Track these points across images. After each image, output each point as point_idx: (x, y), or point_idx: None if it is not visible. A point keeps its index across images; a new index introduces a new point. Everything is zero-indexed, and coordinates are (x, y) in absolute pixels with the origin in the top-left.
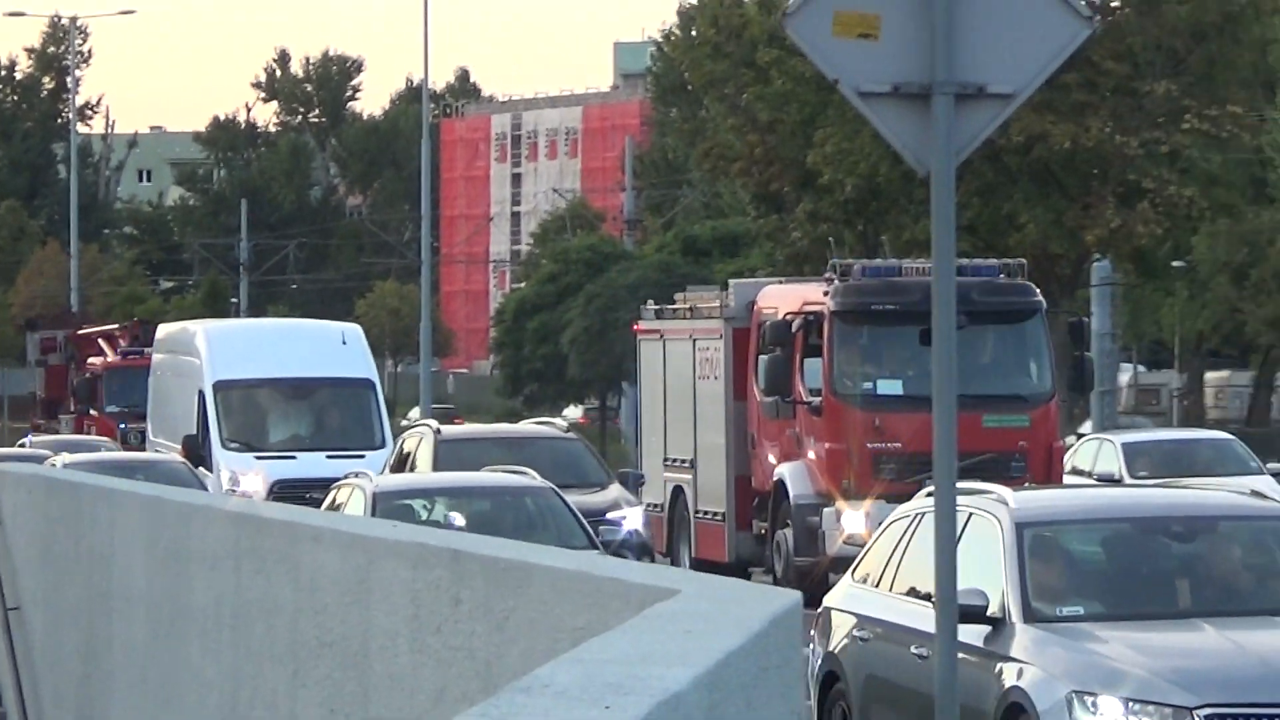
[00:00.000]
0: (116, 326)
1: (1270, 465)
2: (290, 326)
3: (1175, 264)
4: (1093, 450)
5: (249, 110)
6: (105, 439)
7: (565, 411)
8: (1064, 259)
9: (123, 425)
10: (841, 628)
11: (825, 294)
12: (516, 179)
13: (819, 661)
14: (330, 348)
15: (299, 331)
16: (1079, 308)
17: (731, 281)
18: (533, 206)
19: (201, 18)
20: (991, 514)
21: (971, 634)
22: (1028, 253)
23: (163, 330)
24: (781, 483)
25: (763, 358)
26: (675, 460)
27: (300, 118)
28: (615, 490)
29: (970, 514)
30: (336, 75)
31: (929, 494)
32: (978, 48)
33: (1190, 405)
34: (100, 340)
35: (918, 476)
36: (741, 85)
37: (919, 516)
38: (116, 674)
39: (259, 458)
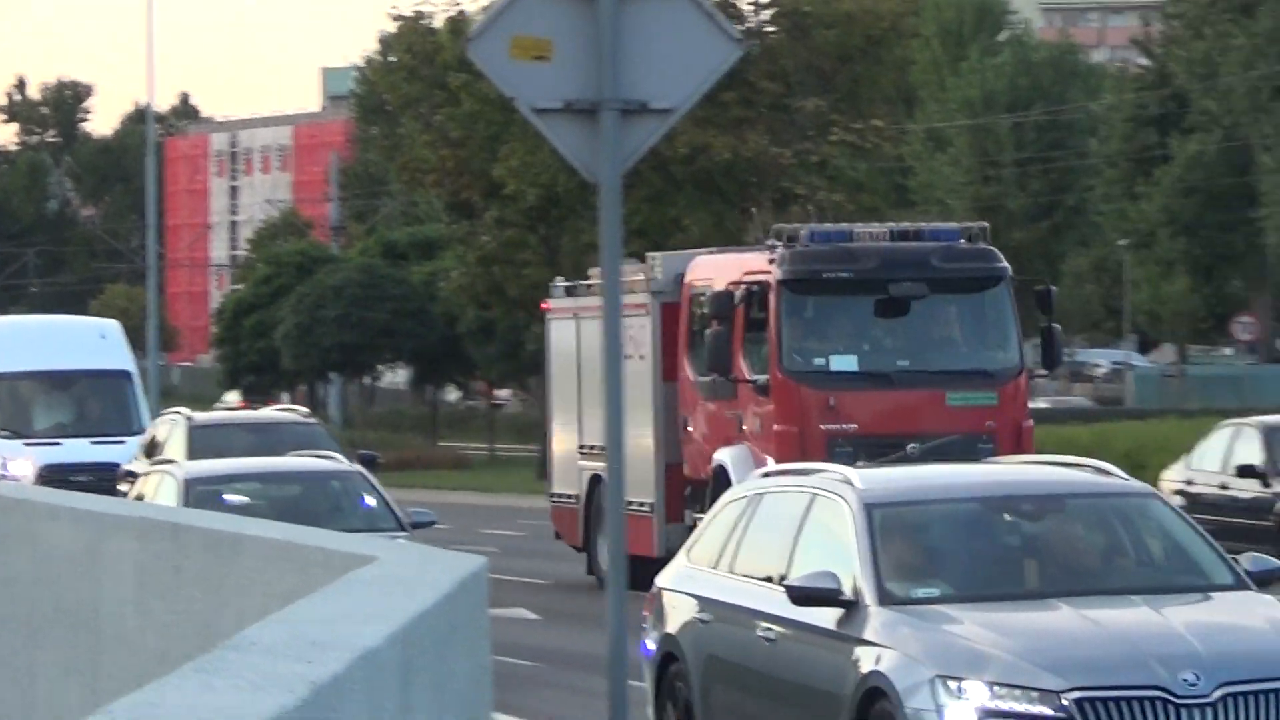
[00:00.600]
0: None
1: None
2: (53, 323)
3: None
4: (1226, 438)
5: None
6: None
7: (225, 397)
8: None
9: None
10: (680, 609)
11: (771, 262)
12: (234, 191)
13: (655, 643)
14: (90, 342)
15: (61, 327)
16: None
17: (655, 254)
18: (249, 216)
19: None
20: (837, 495)
21: (823, 617)
22: None
23: None
24: (722, 469)
25: (704, 333)
26: (593, 447)
27: (38, 138)
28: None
29: (814, 495)
30: (70, 99)
31: (765, 474)
32: (640, 68)
33: None
34: None
35: (877, 461)
36: (435, 105)
37: (758, 497)
38: None
39: (27, 444)
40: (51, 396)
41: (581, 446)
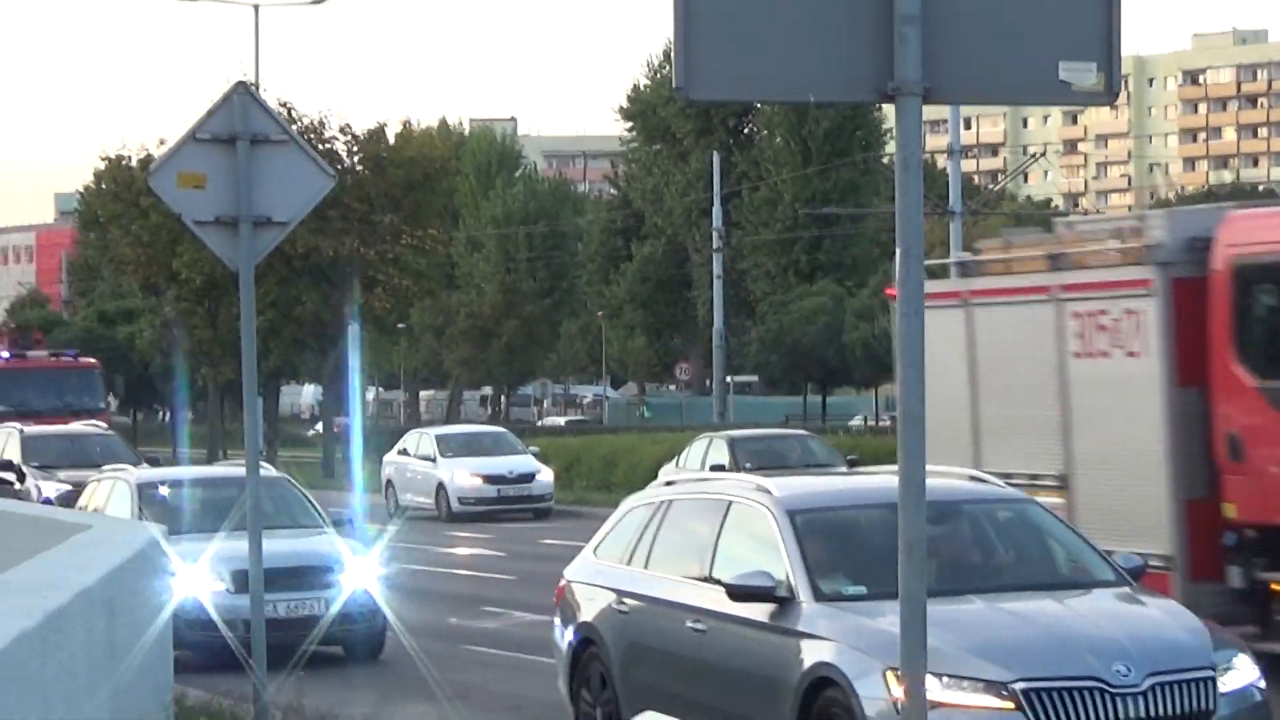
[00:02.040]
0: None
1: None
2: None
3: (400, 325)
4: (703, 446)
5: None
6: None
7: None
8: (332, 323)
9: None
10: (595, 600)
11: None
12: None
13: (570, 627)
14: None
15: None
16: (339, 356)
17: (1151, 212)
18: (4, 294)
19: None
20: (755, 502)
21: (757, 611)
22: (309, 320)
23: None
24: None
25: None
26: (1016, 476)
27: None
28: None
29: (731, 502)
30: None
31: (667, 483)
32: (266, 193)
33: (411, 413)
34: None
35: None
36: (132, 219)
37: (666, 504)
38: None
39: None
40: None
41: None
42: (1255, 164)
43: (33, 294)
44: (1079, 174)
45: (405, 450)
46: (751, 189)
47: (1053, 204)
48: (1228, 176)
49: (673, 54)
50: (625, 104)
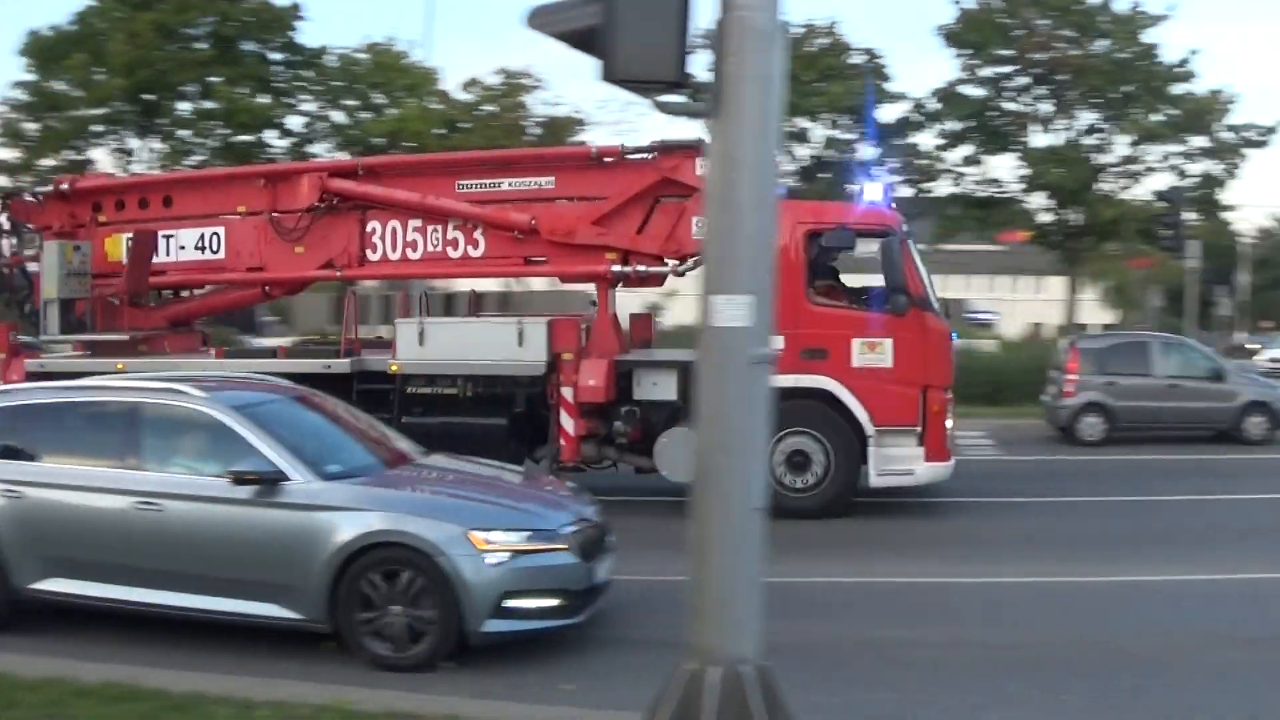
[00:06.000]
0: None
1: None
2: None
3: None
4: None
5: None
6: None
7: None
8: None
9: None
10: None
11: None
12: None
13: None
14: None
15: None
16: None
17: None
18: None
19: None
20: (184, 404)
21: (236, 492)
22: None
23: None
24: None
25: None
26: None
27: None
28: None
29: (140, 404)
30: None
31: (54, 387)
32: None
33: None
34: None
35: None
36: None
37: (35, 408)
38: None
39: None
40: None
41: None
42: None
43: None
44: None
45: None
46: None
47: None
48: None
49: None
50: None
